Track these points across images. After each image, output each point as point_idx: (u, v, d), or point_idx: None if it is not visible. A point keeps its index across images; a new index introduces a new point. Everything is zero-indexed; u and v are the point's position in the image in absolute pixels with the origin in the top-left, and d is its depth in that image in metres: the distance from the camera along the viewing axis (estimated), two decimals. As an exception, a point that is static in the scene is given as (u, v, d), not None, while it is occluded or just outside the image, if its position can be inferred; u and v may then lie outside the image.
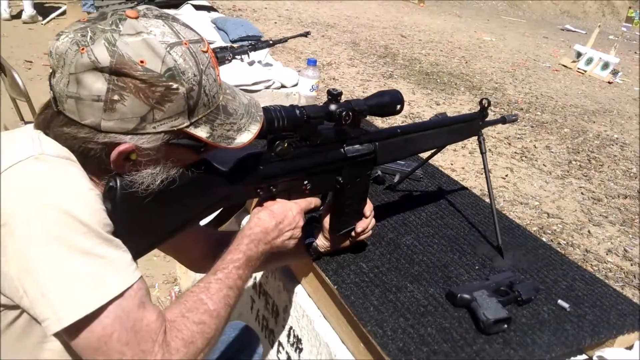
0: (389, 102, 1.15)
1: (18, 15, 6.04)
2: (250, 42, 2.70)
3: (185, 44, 0.78)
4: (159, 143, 0.79)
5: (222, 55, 2.47)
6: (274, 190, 1.01)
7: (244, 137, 0.87)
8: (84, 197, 0.73)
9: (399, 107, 1.16)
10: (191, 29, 0.83)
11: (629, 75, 8.82)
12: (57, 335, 0.71)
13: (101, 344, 0.70)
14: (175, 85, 0.76)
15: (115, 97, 0.73)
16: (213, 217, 1.08)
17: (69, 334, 0.70)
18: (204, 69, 0.80)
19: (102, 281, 0.70)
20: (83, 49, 0.72)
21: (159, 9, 0.82)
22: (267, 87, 2.52)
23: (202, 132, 0.82)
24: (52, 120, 0.78)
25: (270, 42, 2.67)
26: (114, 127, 0.75)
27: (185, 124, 0.80)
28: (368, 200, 1.21)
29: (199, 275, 1.32)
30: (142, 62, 0.73)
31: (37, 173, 0.71)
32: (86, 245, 0.69)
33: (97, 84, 0.73)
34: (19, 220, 0.67)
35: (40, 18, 6.11)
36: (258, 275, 1.59)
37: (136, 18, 0.75)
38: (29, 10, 5.97)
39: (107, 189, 0.78)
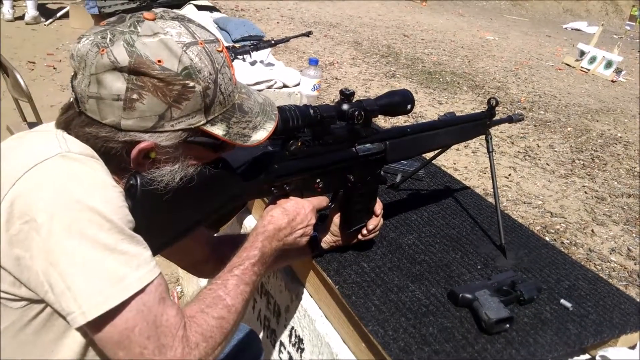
0: (400, 102, 1.17)
1: (22, 17, 6.06)
2: (252, 42, 2.70)
3: (201, 43, 0.80)
4: (177, 141, 0.81)
5: (225, 55, 2.47)
6: (287, 188, 1.03)
7: (260, 135, 0.89)
8: (109, 194, 0.75)
9: (409, 106, 1.18)
10: (206, 29, 0.85)
11: (633, 74, 8.78)
12: (80, 329, 0.73)
13: (123, 337, 0.72)
14: (191, 84, 0.78)
15: (135, 96, 0.76)
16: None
17: (92, 328, 0.72)
18: (220, 67, 0.82)
19: (125, 276, 0.72)
20: (103, 50, 0.75)
21: (175, 11, 0.85)
22: (269, 87, 2.52)
23: (218, 130, 0.84)
24: (74, 120, 0.80)
25: (272, 42, 2.67)
26: (134, 125, 0.78)
27: (202, 122, 0.82)
28: (378, 199, 1.23)
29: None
30: (159, 61, 0.76)
31: (64, 170, 0.73)
32: (110, 241, 0.71)
33: (117, 84, 0.75)
34: (45, 216, 0.69)
35: (43, 19, 6.13)
36: (260, 275, 1.59)
37: (153, 20, 0.79)
38: (31, 12, 6.00)
39: (127, 187, 0.81)
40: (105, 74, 0.75)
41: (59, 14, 6.31)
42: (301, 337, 1.33)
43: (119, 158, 0.80)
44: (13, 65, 2.44)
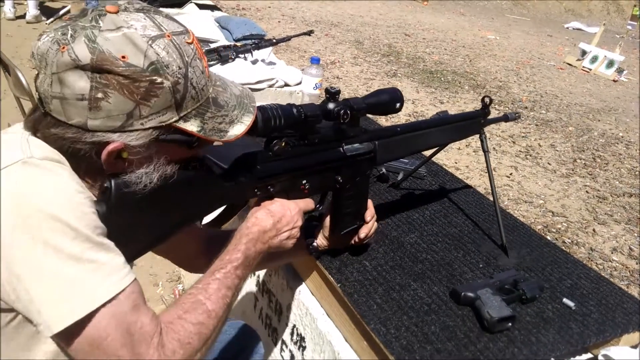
0: (388, 101, 1.14)
1: (23, 16, 6.06)
2: (253, 40, 2.70)
3: (168, 36, 0.76)
4: (149, 140, 0.77)
5: (225, 54, 2.47)
6: (271, 189, 1.00)
7: (237, 129, 0.85)
8: (72, 200, 0.71)
9: (398, 105, 1.15)
10: (175, 20, 0.81)
11: (634, 74, 8.78)
12: (54, 339, 0.71)
13: (94, 347, 0.70)
14: (159, 80, 0.74)
15: (99, 95, 0.72)
16: (214, 216, 1.07)
17: (62, 339, 0.70)
18: (190, 61, 0.78)
19: (93, 286, 0.69)
20: (64, 48, 0.71)
21: (141, 2, 0.80)
22: (271, 86, 2.51)
23: (192, 126, 0.80)
24: (40, 122, 0.77)
25: (274, 40, 2.67)
26: (101, 125, 0.74)
27: (174, 119, 0.78)
28: (370, 205, 1.20)
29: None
30: (123, 57, 0.72)
31: (24, 178, 0.70)
32: (75, 250, 0.69)
33: (80, 83, 0.72)
34: (7, 226, 0.67)
35: (44, 18, 6.12)
36: (261, 273, 1.59)
37: (116, 13, 0.74)
38: (32, 11, 6.00)
39: (102, 190, 0.78)
40: (67, 73, 0.71)
41: (60, 13, 6.30)
42: (303, 335, 1.33)
43: (88, 160, 0.76)
44: (14, 64, 2.44)
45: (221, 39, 2.91)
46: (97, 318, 0.69)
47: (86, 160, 0.76)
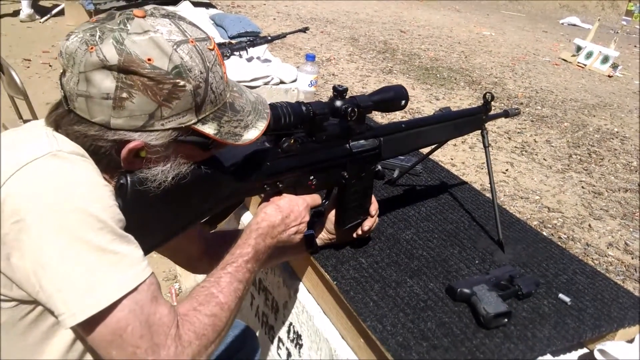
0: (394, 98, 1.16)
1: (14, 14, 6.01)
2: (248, 38, 2.69)
3: (192, 42, 0.79)
4: (168, 140, 0.80)
5: (220, 52, 2.46)
6: (280, 186, 1.03)
7: (251, 134, 0.89)
8: (99, 193, 0.74)
9: (403, 102, 1.18)
10: (198, 27, 0.84)
11: (629, 69, 8.79)
12: (73, 329, 0.73)
13: (116, 337, 0.71)
14: (182, 83, 0.77)
15: (124, 95, 0.75)
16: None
17: (84, 328, 0.72)
18: (211, 66, 0.81)
19: (116, 277, 0.71)
20: (92, 48, 0.74)
21: (166, 8, 0.83)
22: (266, 84, 2.51)
23: (209, 129, 0.83)
24: (63, 118, 0.79)
25: (269, 38, 2.67)
26: (123, 124, 0.77)
27: (193, 121, 0.81)
28: (374, 199, 1.23)
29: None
30: (149, 60, 0.75)
31: (54, 170, 0.73)
32: (100, 242, 0.71)
33: (106, 82, 0.74)
34: (35, 217, 0.69)
35: (38, 17, 6.09)
36: (258, 271, 1.59)
37: (143, 17, 0.77)
38: (26, 10, 5.96)
39: (117, 186, 0.80)
40: (94, 72, 0.74)
41: (54, 12, 6.28)
42: (299, 333, 1.33)
43: (108, 157, 0.79)
44: (8, 63, 2.43)
45: (216, 37, 2.91)
46: (119, 308, 0.71)
47: (106, 157, 0.79)
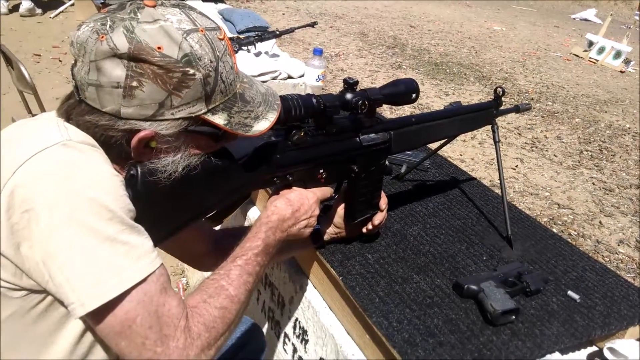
0: (404, 91, 1.16)
1: (14, 8, 5.98)
2: (256, 32, 2.69)
3: (202, 30, 0.79)
4: (178, 130, 0.80)
5: (228, 45, 2.46)
6: (290, 178, 1.02)
7: (262, 125, 0.88)
8: (109, 183, 0.74)
9: (414, 95, 1.17)
10: (208, 17, 0.84)
11: (642, 64, 8.69)
12: (81, 318, 0.73)
13: (125, 327, 0.71)
14: (192, 71, 0.77)
15: (134, 84, 0.75)
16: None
17: (93, 318, 0.72)
18: (221, 55, 0.81)
19: (126, 267, 0.71)
20: (103, 37, 0.74)
21: None
22: (274, 78, 2.51)
23: (219, 119, 0.83)
24: (74, 109, 0.80)
25: (277, 32, 2.66)
26: (134, 113, 0.77)
27: (203, 111, 0.81)
28: (383, 194, 1.22)
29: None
30: (159, 48, 0.75)
31: (64, 159, 0.73)
32: (110, 232, 0.71)
33: (117, 71, 0.74)
34: (45, 206, 0.69)
35: (38, 11, 6.07)
36: (264, 266, 1.58)
37: (154, 7, 0.78)
38: (26, 4, 5.92)
39: (128, 177, 0.80)
40: (105, 61, 0.74)
41: (64, 7, 6.29)
42: (305, 328, 1.33)
43: (119, 147, 0.79)
44: (18, 58, 2.44)
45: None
46: (129, 298, 0.71)
47: (117, 147, 0.79)
